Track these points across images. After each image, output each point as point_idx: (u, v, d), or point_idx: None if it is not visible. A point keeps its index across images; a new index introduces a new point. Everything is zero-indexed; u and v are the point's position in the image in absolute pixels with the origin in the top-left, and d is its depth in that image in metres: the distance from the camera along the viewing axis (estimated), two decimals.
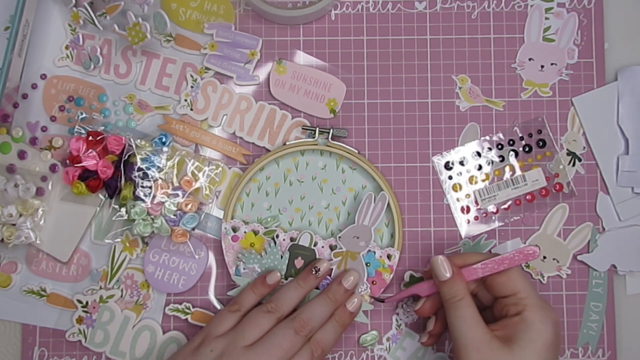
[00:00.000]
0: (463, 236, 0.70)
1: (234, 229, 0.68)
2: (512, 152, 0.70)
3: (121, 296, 0.69)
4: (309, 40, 0.71)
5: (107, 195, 0.68)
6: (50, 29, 0.70)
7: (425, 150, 0.70)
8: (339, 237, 0.67)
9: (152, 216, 0.67)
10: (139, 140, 0.67)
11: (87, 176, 0.67)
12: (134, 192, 0.67)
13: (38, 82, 0.70)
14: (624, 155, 0.70)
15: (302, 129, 0.69)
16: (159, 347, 0.69)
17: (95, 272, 0.69)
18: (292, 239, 0.68)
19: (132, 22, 0.67)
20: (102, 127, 0.69)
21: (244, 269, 0.68)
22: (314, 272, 0.65)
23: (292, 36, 0.71)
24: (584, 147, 0.70)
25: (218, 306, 0.69)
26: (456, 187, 0.70)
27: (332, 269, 0.67)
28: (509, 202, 0.70)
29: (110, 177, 0.67)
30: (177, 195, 0.67)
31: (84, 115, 0.69)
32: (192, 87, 0.70)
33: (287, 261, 0.68)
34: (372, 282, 0.68)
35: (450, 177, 0.70)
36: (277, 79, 0.70)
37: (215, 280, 0.70)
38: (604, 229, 0.70)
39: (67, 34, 0.70)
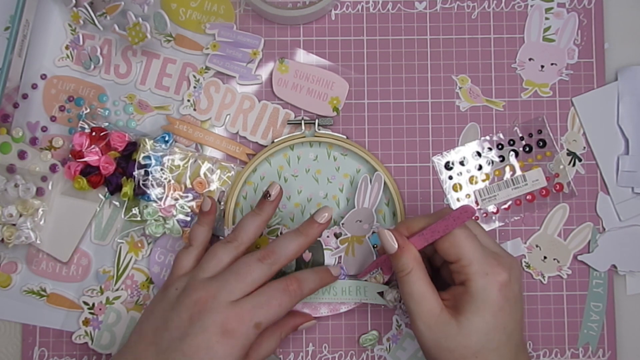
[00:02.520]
0: None
1: None
2: (512, 152, 0.70)
3: (127, 298, 0.69)
4: (309, 40, 0.71)
5: (107, 193, 0.68)
6: (50, 29, 0.70)
7: (425, 150, 0.70)
8: (342, 224, 0.67)
9: (164, 217, 0.67)
10: (151, 142, 0.67)
11: (89, 172, 0.67)
12: (134, 190, 0.67)
13: (38, 82, 0.70)
14: (624, 155, 0.70)
15: (288, 123, 0.69)
16: None
17: (100, 274, 0.69)
18: None
19: (132, 22, 0.67)
20: (107, 123, 0.69)
21: None
22: (267, 197, 0.63)
23: (292, 36, 0.71)
24: (584, 147, 0.70)
25: None
26: (456, 187, 0.70)
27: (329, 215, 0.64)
28: (509, 202, 0.70)
29: (112, 173, 0.67)
30: (189, 196, 0.67)
31: (88, 110, 0.69)
32: (194, 87, 0.70)
33: None
34: None
35: (450, 177, 0.70)
36: (280, 78, 0.70)
37: None
38: (604, 229, 0.70)
39: (67, 34, 0.70)
